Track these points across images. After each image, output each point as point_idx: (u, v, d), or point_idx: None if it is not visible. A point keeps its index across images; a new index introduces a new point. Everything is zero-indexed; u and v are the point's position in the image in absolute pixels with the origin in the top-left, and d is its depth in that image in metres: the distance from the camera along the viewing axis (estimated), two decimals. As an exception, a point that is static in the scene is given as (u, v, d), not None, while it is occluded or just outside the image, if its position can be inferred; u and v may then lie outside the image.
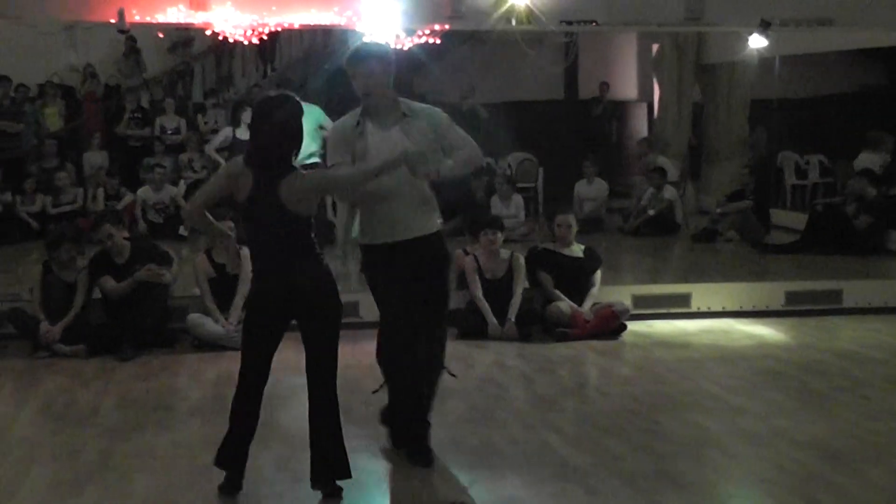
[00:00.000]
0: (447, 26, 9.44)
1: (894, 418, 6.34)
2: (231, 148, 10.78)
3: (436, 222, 5.58)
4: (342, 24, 9.57)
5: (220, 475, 5.22)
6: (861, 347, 8.23)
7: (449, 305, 5.74)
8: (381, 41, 5.47)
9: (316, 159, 10.40)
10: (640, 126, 18.40)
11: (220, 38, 9.90)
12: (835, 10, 9.26)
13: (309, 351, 5.11)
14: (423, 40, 10.13)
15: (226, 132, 10.82)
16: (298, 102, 5.04)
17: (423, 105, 5.72)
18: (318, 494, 5.07)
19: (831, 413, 6.44)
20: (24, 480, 5.30)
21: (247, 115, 10.69)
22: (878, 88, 17.08)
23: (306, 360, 5.13)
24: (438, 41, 10.40)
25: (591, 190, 14.25)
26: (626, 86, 18.63)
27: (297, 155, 4.97)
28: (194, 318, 8.26)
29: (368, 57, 5.46)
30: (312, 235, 4.99)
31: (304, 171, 5.04)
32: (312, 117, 10.47)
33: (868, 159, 13.28)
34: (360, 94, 5.50)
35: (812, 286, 9.70)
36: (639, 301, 9.18)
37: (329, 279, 5.01)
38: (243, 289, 8.29)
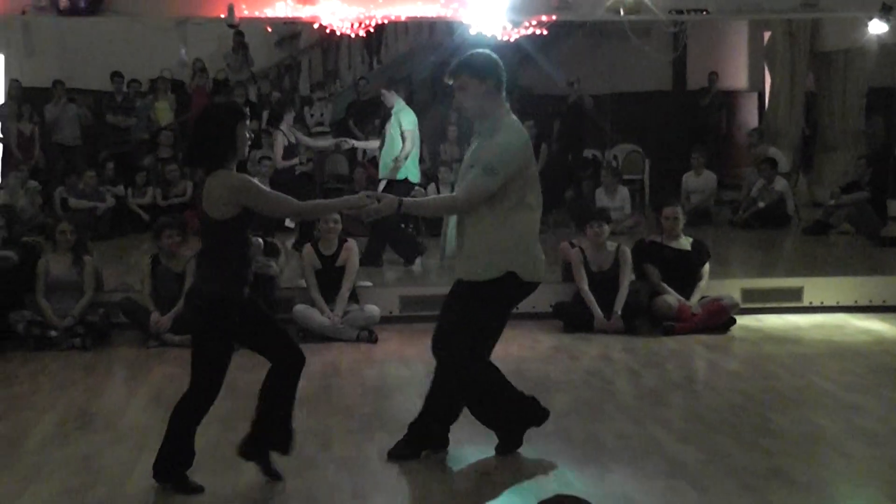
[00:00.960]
0: (554, 17, 9.35)
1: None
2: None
3: None
4: (448, 16, 9.56)
5: (325, 466, 5.28)
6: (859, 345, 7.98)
7: None
8: (486, 50, 5.31)
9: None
10: (750, 116, 18.06)
11: (327, 31, 9.97)
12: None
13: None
14: (529, 31, 10.07)
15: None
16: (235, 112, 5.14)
17: (499, 133, 5.27)
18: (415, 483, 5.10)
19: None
20: (136, 466, 5.41)
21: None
22: None
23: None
24: (545, 32, 10.32)
25: (698, 182, 14.05)
26: (736, 75, 18.29)
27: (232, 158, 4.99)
28: (300, 309, 8.36)
29: (460, 70, 5.27)
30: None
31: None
32: (409, 119, 10.55)
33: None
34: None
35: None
36: (748, 295, 9.01)
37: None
38: (349, 281, 8.38)
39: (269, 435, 5.16)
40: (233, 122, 5.00)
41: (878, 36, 9.91)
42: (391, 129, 10.45)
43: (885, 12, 8.62)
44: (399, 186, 10.10)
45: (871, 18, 9.06)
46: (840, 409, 6.32)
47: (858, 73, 15.29)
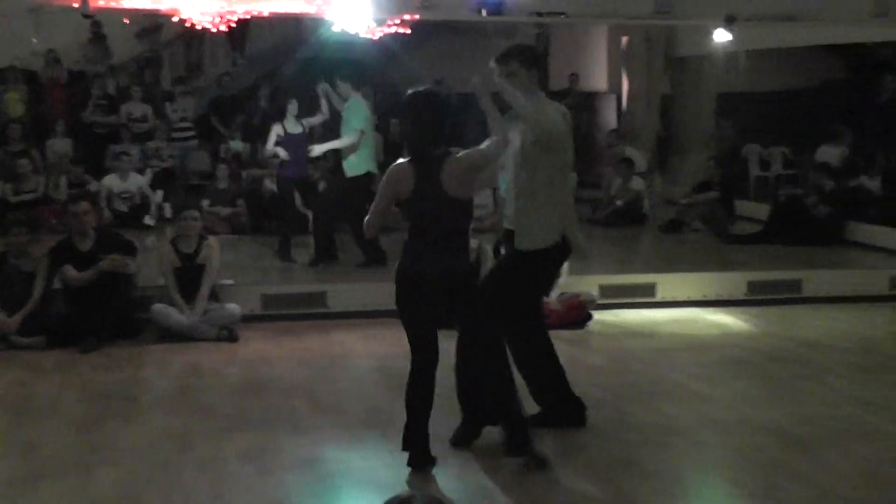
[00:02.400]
0: (418, 16, 9.44)
1: (854, 404, 6.46)
2: (283, 143, 10.63)
3: None
4: (312, 12, 9.55)
5: (183, 467, 5.25)
6: (821, 335, 8.36)
7: None
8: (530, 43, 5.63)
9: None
10: (609, 117, 18.47)
11: (189, 25, 9.83)
12: (797, 6, 9.38)
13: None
14: (393, 30, 10.13)
15: (276, 129, 10.67)
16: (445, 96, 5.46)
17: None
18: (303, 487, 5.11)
19: (793, 400, 6.55)
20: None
21: (293, 108, 10.70)
22: (838, 83, 17.26)
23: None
24: (409, 31, 10.40)
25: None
26: (596, 77, 18.69)
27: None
28: (159, 308, 8.24)
29: (510, 57, 5.80)
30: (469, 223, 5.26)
31: (460, 154, 5.22)
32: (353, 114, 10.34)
33: (828, 152, 13.48)
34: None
35: (774, 276, 9.86)
36: (606, 291, 9.26)
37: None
38: (209, 280, 8.29)
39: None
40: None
41: (724, 44, 10.31)
42: (344, 124, 10.32)
43: (729, 22, 8.99)
44: (360, 180, 10.11)
45: (717, 27, 9.44)
46: (691, 400, 6.57)
47: (709, 78, 15.83)
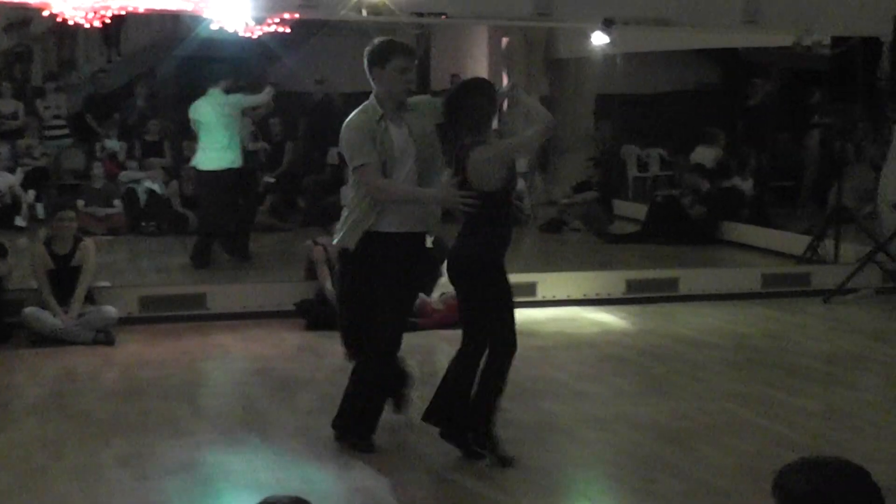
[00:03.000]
0: (297, 15, 9.36)
1: (727, 399, 6.64)
2: None
3: None
4: (190, 10, 9.39)
5: (57, 475, 5.12)
6: (696, 332, 8.57)
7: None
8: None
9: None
10: (489, 118, 18.59)
11: (60, 19, 9.56)
12: (672, 11, 9.60)
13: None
14: (273, 29, 10.03)
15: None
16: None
17: (419, 97, 5.79)
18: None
19: (669, 396, 6.70)
20: None
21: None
22: (712, 87, 17.74)
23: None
24: (289, 30, 10.30)
25: (441, 181, 14.35)
26: (477, 78, 18.78)
27: None
28: (31, 311, 7.99)
29: (408, 53, 5.48)
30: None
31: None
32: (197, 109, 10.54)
33: (703, 154, 13.84)
34: (395, 91, 5.42)
35: (651, 274, 10.07)
36: (487, 290, 9.31)
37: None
38: (85, 282, 8.10)
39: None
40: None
41: (602, 47, 10.49)
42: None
43: (607, 25, 9.15)
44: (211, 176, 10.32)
45: (594, 31, 9.59)
46: (571, 397, 6.67)
47: (587, 80, 16.10)
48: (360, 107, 5.54)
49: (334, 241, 5.67)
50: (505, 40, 16.80)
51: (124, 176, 13.55)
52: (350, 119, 5.54)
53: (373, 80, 5.46)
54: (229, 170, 10.41)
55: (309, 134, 15.48)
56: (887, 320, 9.26)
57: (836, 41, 10.53)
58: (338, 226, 5.62)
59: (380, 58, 5.39)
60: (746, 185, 13.42)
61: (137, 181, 13.37)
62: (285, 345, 8.11)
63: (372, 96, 5.49)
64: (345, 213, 5.60)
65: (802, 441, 5.77)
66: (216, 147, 10.35)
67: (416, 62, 5.55)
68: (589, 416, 6.24)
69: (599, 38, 9.74)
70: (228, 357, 7.76)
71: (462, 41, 18.44)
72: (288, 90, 16.13)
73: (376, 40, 5.53)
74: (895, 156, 10.90)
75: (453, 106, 5.35)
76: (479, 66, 18.81)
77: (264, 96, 10.89)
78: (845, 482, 2.39)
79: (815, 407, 6.60)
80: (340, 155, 15.20)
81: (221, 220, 10.47)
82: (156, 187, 13.22)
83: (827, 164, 14.38)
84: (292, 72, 15.16)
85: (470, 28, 17.51)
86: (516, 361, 7.49)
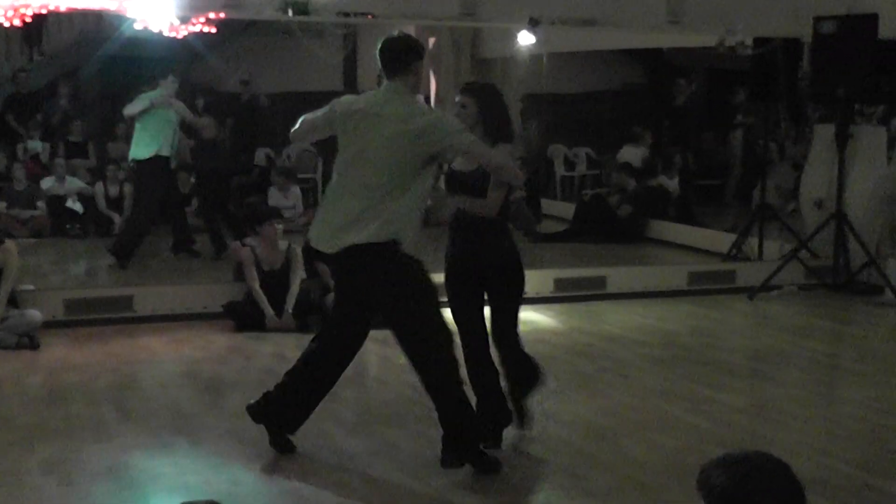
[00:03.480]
0: (223, 14, 9.29)
1: (654, 396, 6.73)
2: None
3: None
4: (113, 9, 9.26)
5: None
6: (623, 330, 8.67)
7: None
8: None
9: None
10: (417, 119, 18.62)
11: (-23, 18, 9.37)
12: (597, 11, 9.69)
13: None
14: (198, 28, 9.94)
15: None
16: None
17: None
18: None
19: (597, 393, 6.77)
20: None
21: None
22: (638, 86, 17.94)
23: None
24: (215, 30, 10.23)
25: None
26: (404, 78, 18.80)
27: None
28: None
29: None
30: None
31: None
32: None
33: (630, 153, 14.00)
34: (414, 89, 5.40)
35: (579, 273, 10.15)
36: (416, 290, 9.31)
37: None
38: (7, 285, 7.95)
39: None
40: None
41: (530, 46, 10.57)
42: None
43: (533, 25, 9.22)
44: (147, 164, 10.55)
45: (520, 30, 9.66)
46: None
47: (514, 80, 16.18)
48: (418, 101, 5.59)
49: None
50: (432, 40, 16.81)
51: (46, 186, 13.27)
52: (435, 110, 5.65)
53: (412, 74, 5.30)
54: (167, 158, 10.69)
55: (236, 135, 15.37)
56: (810, 316, 9.45)
57: (759, 42, 10.72)
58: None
59: (418, 54, 5.37)
60: (672, 183, 13.61)
61: (62, 196, 13.13)
62: (214, 347, 8.05)
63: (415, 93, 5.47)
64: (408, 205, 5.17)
65: (728, 436, 5.87)
66: (155, 136, 10.55)
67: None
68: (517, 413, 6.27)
69: (525, 38, 9.82)
70: (156, 360, 7.68)
71: (390, 41, 18.44)
72: (215, 91, 16.07)
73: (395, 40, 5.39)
74: (816, 155, 11.11)
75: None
76: (406, 66, 18.82)
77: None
78: (765, 476, 2.44)
79: (741, 402, 6.72)
80: (268, 156, 15.26)
81: (156, 210, 10.56)
82: (77, 207, 12.97)
83: (751, 163, 14.64)
84: (218, 72, 15.06)
85: (397, 27, 17.51)
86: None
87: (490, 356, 5.57)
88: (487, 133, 5.36)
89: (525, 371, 5.68)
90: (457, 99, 5.51)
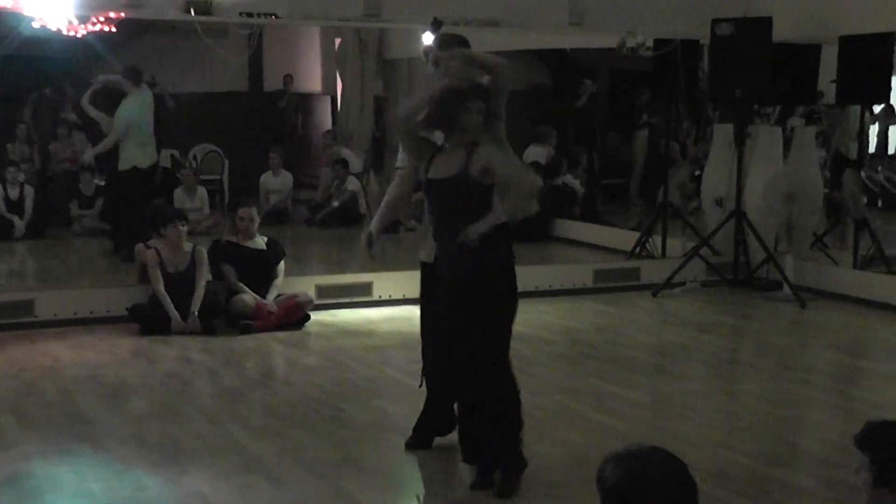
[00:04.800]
0: (123, 14, 9.16)
1: (559, 393, 6.82)
2: None
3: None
4: (9, 6, 9.07)
5: None
6: (529, 328, 8.73)
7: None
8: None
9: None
10: (324, 118, 18.59)
11: None
12: (500, 12, 9.78)
13: None
14: (98, 28, 9.80)
15: None
16: None
17: None
18: None
19: (503, 392, 6.81)
20: None
21: None
22: (543, 87, 18.10)
23: None
24: (115, 29, 10.10)
25: (276, 182, 14.30)
26: (311, 79, 18.77)
27: None
28: None
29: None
30: None
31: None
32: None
33: (536, 152, 14.12)
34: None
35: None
36: (323, 291, 9.31)
37: None
38: None
39: None
40: None
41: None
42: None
43: (436, 26, 9.26)
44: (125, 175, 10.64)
45: (424, 31, 9.70)
46: (407, 396, 6.68)
47: (421, 80, 16.21)
48: None
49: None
50: (338, 41, 16.79)
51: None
52: None
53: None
54: (136, 169, 10.84)
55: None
56: (712, 312, 9.65)
57: (659, 43, 10.91)
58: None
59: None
60: (578, 183, 13.77)
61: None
62: (117, 351, 7.94)
63: None
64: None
65: (632, 431, 5.96)
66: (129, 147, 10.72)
67: None
68: (425, 414, 6.31)
69: (429, 39, 9.84)
70: (58, 365, 7.53)
71: (295, 42, 18.38)
72: (115, 91, 15.79)
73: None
74: (716, 154, 11.34)
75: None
76: (312, 67, 18.79)
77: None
78: (656, 471, 2.49)
79: (644, 398, 6.85)
80: (173, 157, 15.06)
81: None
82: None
83: (654, 163, 14.89)
84: (118, 72, 14.82)
85: (302, 28, 17.46)
86: (352, 361, 7.59)
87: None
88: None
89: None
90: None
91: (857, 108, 11.39)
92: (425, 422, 5.66)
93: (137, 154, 10.66)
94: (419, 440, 5.63)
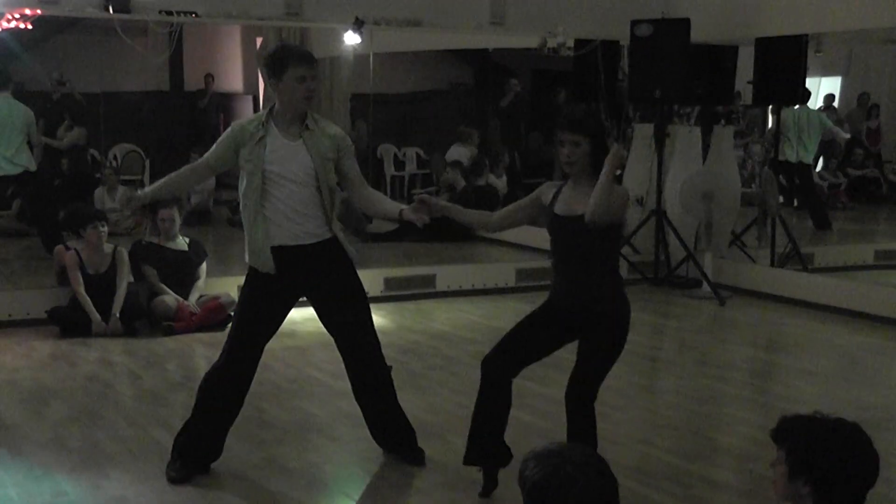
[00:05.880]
0: (39, 11, 9.00)
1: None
2: None
3: None
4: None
5: None
6: (452, 328, 8.81)
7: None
8: None
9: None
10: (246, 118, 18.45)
11: None
12: (422, 12, 9.81)
13: None
14: (13, 25, 9.61)
15: None
16: None
17: (328, 122, 5.39)
18: None
19: (426, 391, 6.86)
20: None
21: None
22: (465, 86, 18.20)
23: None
24: (31, 27, 9.91)
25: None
26: (232, 78, 18.63)
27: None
28: None
29: (306, 60, 5.10)
30: None
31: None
32: (22, 117, 10.46)
33: (459, 152, 14.21)
34: (294, 101, 5.09)
35: (409, 272, 10.25)
36: (246, 292, 9.24)
37: None
38: None
39: None
40: None
41: (356, 46, 10.61)
42: None
43: (358, 26, 9.26)
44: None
45: (346, 30, 9.69)
46: (328, 396, 6.73)
47: (342, 80, 16.21)
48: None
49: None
50: (259, 40, 16.68)
51: None
52: (239, 120, 5.41)
53: (271, 89, 5.20)
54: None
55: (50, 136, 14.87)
56: (633, 310, 9.69)
57: (579, 44, 11.03)
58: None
59: (276, 67, 5.09)
60: (501, 182, 13.86)
61: None
62: (36, 354, 7.82)
63: (270, 104, 5.26)
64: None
65: (552, 429, 6.00)
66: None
67: (316, 67, 5.21)
68: (347, 414, 6.29)
69: (351, 38, 9.85)
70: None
71: (215, 40, 18.22)
72: (31, 90, 15.54)
73: (271, 47, 5.32)
74: (636, 154, 11.49)
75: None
76: (233, 66, 18.65)
77: None
78: (574, 469, 2.53)
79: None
80: (92, 157, 14.83)
81: None
82: None
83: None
84: (34, 71, 14.61)
85: (223, 27, 17.31)
86: (274, 362, 7.56)
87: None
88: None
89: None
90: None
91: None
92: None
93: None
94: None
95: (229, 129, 5.28)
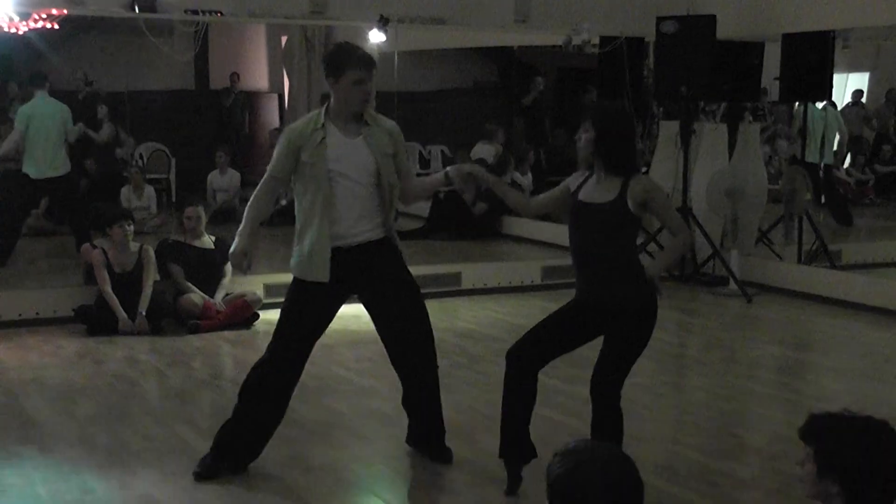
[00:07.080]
0: (66, 11, 9.05)
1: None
2: None
3: None
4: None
5: None
6: (477, 326, 8.79)
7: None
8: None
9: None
10: (271, 116, 18.50)
11: None
12: (446, 10, 9.82)
13: None
14: (39, 25, 9.68)
15: None
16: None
17: (381, 116, 5.32)
18: None
19: (451, 389, 6.80)
20: None
21: None
22: (490, 84, 18.17)
23: None
24: (57, 26, 9.98)
25: (223, 181, 14.20)
26: (257, 77, 18.67)
27: None
28: None
29: (365, 63, 5.06)
30: None
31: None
32: (60, 115, 10.32)
33: (483, 149, 14.18)
34: (351, 103, 5.06)
35: (435, 270, 10.23)
36: (271, 290, 9.25)
37: None
38: None
39: None
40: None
41: (381, 44, 10.61)
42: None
43: (383, 24, 9.27)
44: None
45: (371, 29, 9.70)
46: (354, 394, 6.74)
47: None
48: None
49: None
50: (284, 38, 16.71)
51: None
52: (291, 124, 5.33)
53: (329, 88, 5.17)
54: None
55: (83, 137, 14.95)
56: (664, 308, 9.69)
57: (605, 41, 10.99)
58: None
59: (335, 69, 5.05)
60: (525, 180, 13.82)
61: None
62: (63, 352, 7.86)
63: (327, 103, 5.21)
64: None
65: (582, 428, 5.93)
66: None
67: (374, 71, 5.11)
68: (371, 412, 6.32)
69: (376, 36, 9.85)
70: (1, 368, 7.44)
71: (241, 39, 18.26)
72: (55, 89, 15.65)
73: (332, 46, 5.25)
74: (662, 151, 11.44)
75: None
76: (258, 64, 18.69)
77: None
78: (597, 466, 2.52)
79: (591, 393, 6.86)
80: (120, 156, 14.89)
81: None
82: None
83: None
84: (61, 71, 14.67)
85: (248, 26, 17.36)
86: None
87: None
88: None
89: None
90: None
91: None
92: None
93: (27, 161, 10.27)
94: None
95: (284, 137, 5.20)
